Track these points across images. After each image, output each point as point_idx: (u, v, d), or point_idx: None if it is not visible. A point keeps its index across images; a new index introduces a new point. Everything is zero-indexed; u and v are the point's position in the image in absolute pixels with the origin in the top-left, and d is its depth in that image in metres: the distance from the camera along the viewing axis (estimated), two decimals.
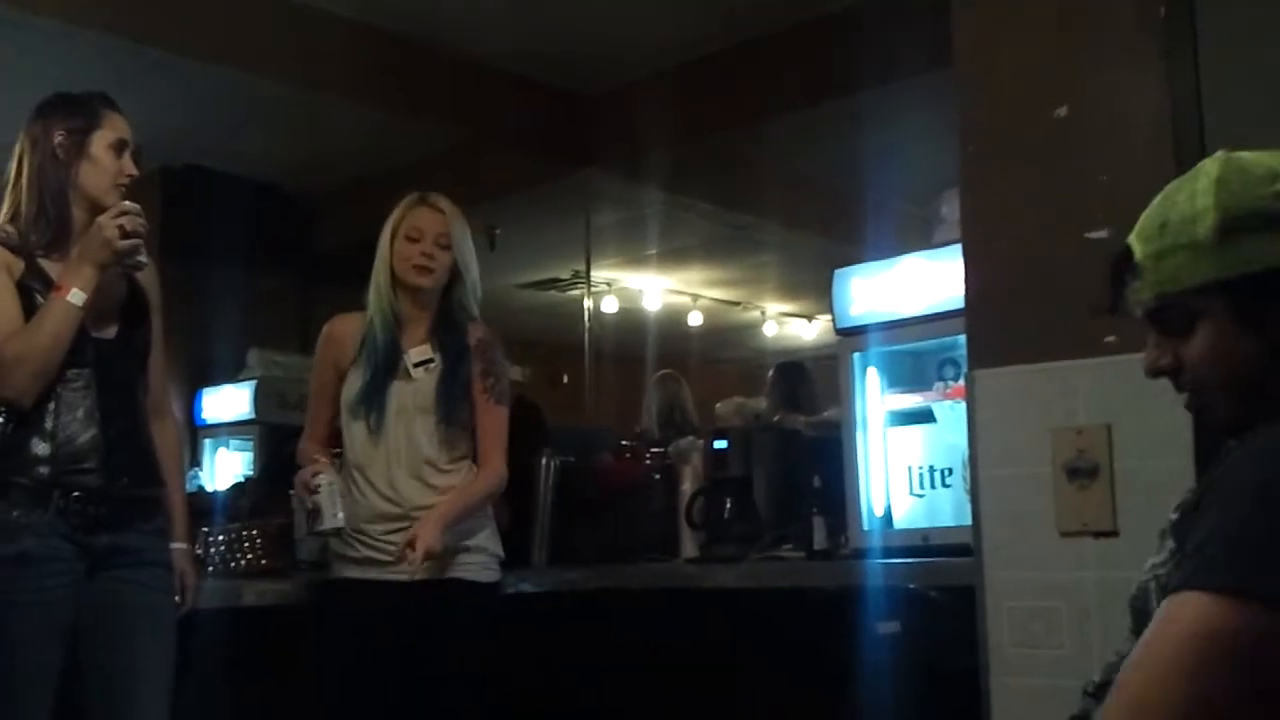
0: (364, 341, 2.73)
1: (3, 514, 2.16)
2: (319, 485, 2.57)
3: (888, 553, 2.74)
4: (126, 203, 2.25)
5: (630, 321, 7.92)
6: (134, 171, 2.34)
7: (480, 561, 2.70)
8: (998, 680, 2.11)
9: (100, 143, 2.30)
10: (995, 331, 2.20)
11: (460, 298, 2.78)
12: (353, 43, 4.88)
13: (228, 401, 5.95)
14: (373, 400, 2.67)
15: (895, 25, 4.04)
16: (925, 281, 2.79)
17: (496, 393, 2.76)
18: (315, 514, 2.57)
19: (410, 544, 2.55)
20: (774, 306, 9.01)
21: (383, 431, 2.66)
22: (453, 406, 2.70)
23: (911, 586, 2.56)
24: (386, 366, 2.70)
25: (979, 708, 2.13)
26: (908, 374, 2.94)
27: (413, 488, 2.65)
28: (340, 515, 2.57)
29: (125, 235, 2.19)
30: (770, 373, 5.24)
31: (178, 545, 2.41)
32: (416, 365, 2.72)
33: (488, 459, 2.74)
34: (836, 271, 3.00)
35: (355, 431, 2.69)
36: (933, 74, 2.92)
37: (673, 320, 8.32)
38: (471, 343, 2.76)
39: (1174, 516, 1.30)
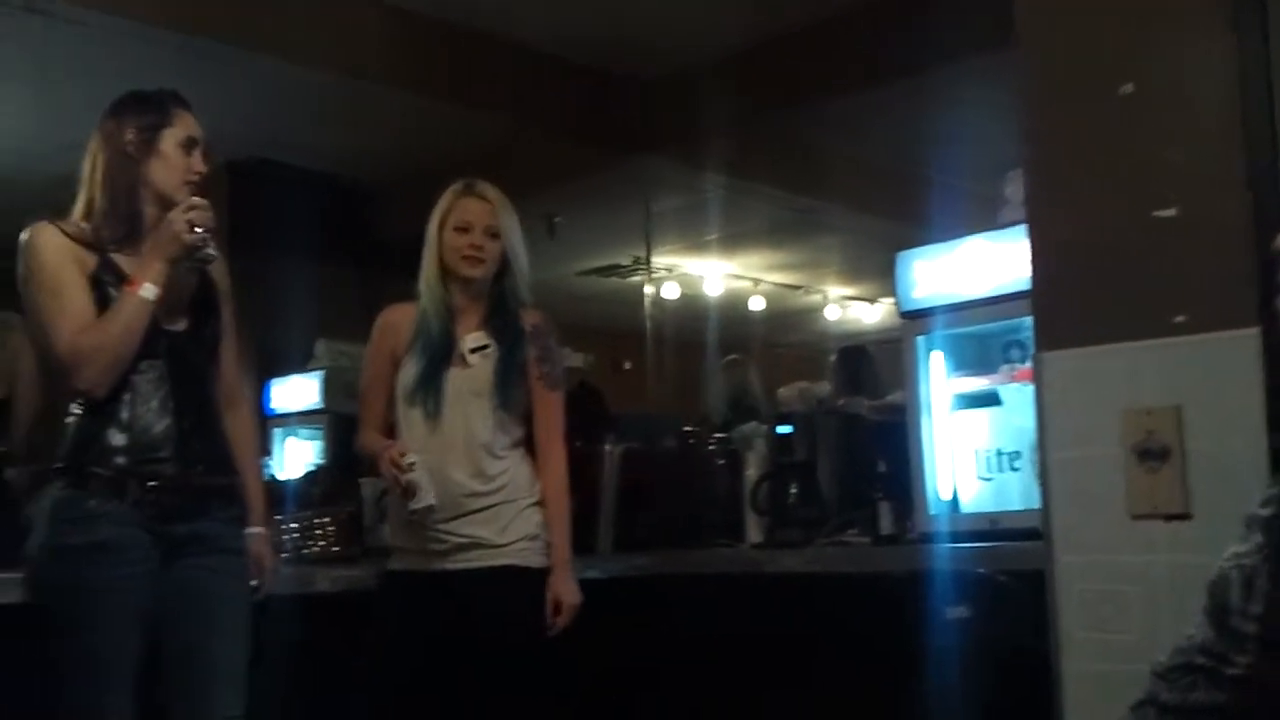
0: (418, 330, 2.75)
1: (82, 503, 2.22)
2: (413, 463, 2.59)
3: (955, 537, 2.72)
4: (196, 199, 2.28)
5: (691, 307, 7.92)
6: (203, 168, 2.38)
7: (532, 547, 2.71)
8: (1068, 665, 2.09)
9: (170, 140, 2.34)
10: (1062, 313, 2.18)
11: (511, 285, 2.79)
12: (412, 34, 4.92)
13: (297, 391, 6.03)
14: (429, 386, 2.69)
15: (957, 4, 3.99)
16: (990, 263, 2.76)
17: (552, 379, 2.77)
18: (411, 491, 2.58)
19: (555, 607, 2.65)
20: (836, 290, 8.96)
21: (440, 417, 2.68)
22: (509, 391, 2.71)
23: (980, 571, 2.55)
24: (442, 354, 2.72)
25: (1049, 693, 2.11)
26: (973, 357, 2.91)
27: (467, 475, 2.67)
28: (432, 493, 2.60)
29: (194, 230, 2.24)
30: (833, 357, 5.22)
31: (255, 530, 2.45)
32: (472, 351, 2.73)
33: (548, 449, 2.75)
34: (900, 254, 2.97)
35: (412, 419, 2.71)
36: (996, 53, 2.88)
37: (734, 305, 8.30)
38: (526, 329, 2.78)
39: (1264, 512, 1.29)
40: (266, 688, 2.38)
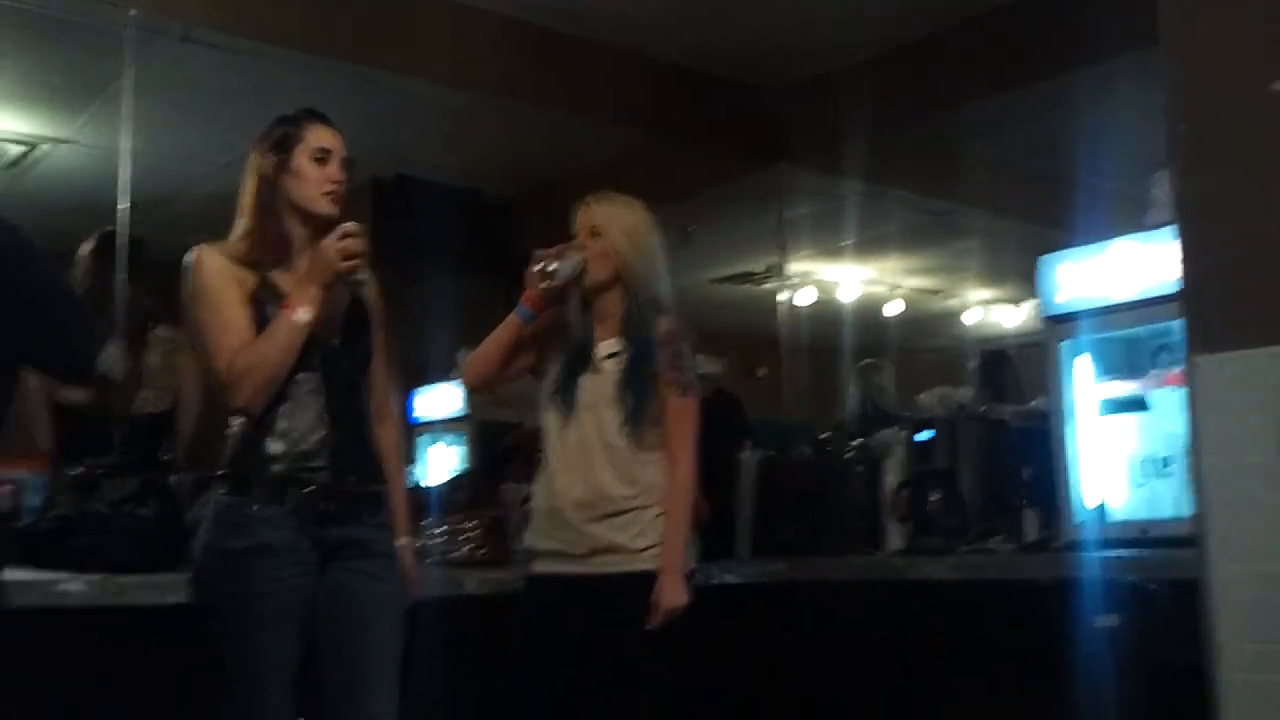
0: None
1: (244, 509, 2.31)
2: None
3: (1103, 545, 2.67)
4: (350, 224, 2.35)
5: (826, 313, 7.85)
6: (339, 177, 2.43)
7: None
8: (1226, 676, 2.03)
9: (302, 155, 2.41)
10: (1215, 315, 2.12)
11: (640, 290, 2.82)
12: (542, 49, 5.00)
13: (441, 399, 6.17)
14: (565, 391, 2.77)
15: (1100, 4, 3.90)
16: (1137, 266, 2.71)
17: (680, 384, 2.77)
18: (569, 264, 2.72)
19: (655, 607, 2.62)
20: (976, 294, 8.79)
21: (575, 421, 2.75)
22: (638, 396, 2.73)
23: (1130, 579, 2.49)
24: (579, 360, 2.79)
25: (1201, 703, 2.06)
26: (1120, 361, 2.86)
27: (605, 475, 2.71)
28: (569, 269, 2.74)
29: (347, 257, 2.32)
30: (973, 362, 5.13)
31: (401, 541, 2.53)
32: (605, 358, 2.79)
33: (675, 456, 2.75)
34: (1043, 257, 2.93)
35: (551, 422, 2.79)
36: (1141, 51, 2.82)
37: (870, 310, 8.20)
38: (659, 334, 2.81)
39: None
40: (416, 687, 2.45)
